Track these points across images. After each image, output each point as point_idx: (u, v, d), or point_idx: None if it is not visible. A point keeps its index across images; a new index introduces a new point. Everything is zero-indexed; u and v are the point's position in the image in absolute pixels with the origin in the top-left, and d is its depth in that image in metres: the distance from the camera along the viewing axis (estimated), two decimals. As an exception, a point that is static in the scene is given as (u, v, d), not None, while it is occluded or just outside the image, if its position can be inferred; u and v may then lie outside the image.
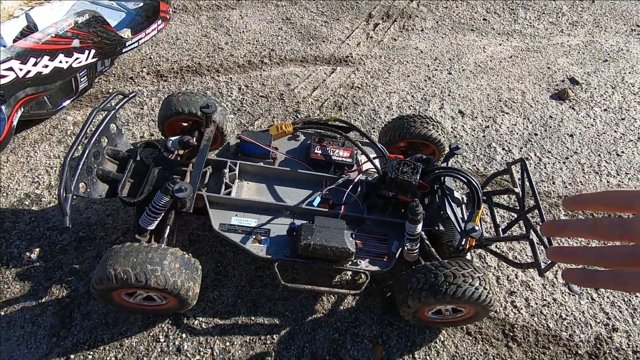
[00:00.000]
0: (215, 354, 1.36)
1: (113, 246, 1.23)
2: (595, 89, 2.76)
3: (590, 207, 0.45)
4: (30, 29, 2.21)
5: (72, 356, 1.30)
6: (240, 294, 1.51)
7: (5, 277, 1.45)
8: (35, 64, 1.66)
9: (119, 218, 1.67)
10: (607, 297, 1.67)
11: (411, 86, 2.59)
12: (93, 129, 1.38)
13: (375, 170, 1.54)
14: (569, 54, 3.04)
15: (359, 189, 1.53)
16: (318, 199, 1.45)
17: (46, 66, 1.72)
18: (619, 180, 2.17)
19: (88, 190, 1.34)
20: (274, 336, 1.42)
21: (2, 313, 1.37)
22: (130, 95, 1.53)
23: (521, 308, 1.59)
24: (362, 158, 1.65)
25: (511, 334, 1.51)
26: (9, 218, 1.62)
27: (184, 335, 1.39)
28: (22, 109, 1.71)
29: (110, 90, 2.24)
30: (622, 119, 2.55)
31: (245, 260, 1.59)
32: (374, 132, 2.23)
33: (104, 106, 1.43)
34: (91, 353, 1.32)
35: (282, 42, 2.77)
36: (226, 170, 1.48)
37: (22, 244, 1.55)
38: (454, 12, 3.33)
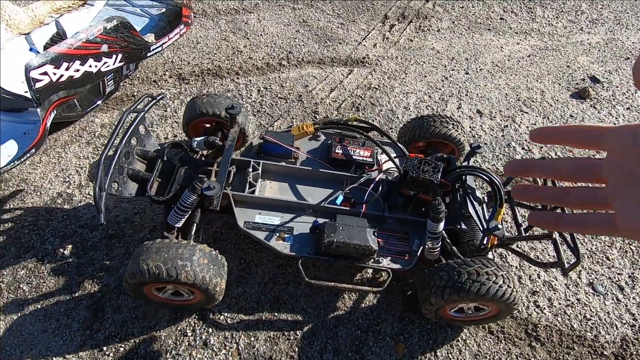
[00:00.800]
0: (240, 348, 1.40)
1: (144, 242, 1.27)
2: (617, 87, 2.71)
3: (555, 141, 0.43)
4: (60, 35, 2.31)
5: (104, 348, 1.36)
6: (263, 290, 1.54)
7: (40, 272, 1.52)
8: (67, 69, 1.74)
9: (145, 216, 1.73)
10: (634, 298, 1.64)
11: (428, 86, 2.60)
12: (121, 130, 1.44)
13: (396, 169, 1.56)
14: (589, 52, 2.99)
15: (380, 187, 1.55)
16: (341, 198, 1.48)
17: (77, 70, 1.79)
18: (644, 180, 2.12)
19: (120, 189, 1.39)
20: (297, 332, 1.45)
21: (39, 306, 1.44)
22: (158, 97, 1.59)
23: (544, 308, 1.58)
24: (382, 157, 1.67)
25: (534, 333, 1.50)
26: (43, 216, 1.69)
27: (210, 330, 1.42)
28: (55, 112, 1.79)
29: (135, 93, 2.32)
30: (646, 118, 2.50)
31: (268, 257, 1.63)
32: (391, 132, 2.25)
33: (134, 108, 1.49)
34: (122, 345, 1.37)
35: (299, 45, 2.81)
36: (250, 170, 1.51)
37: (55, 241, 1.61)
38: (470, 11, 3.32)
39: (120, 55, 2.02)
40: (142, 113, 1.51)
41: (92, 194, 1.25)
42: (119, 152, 1.37)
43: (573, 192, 0.40)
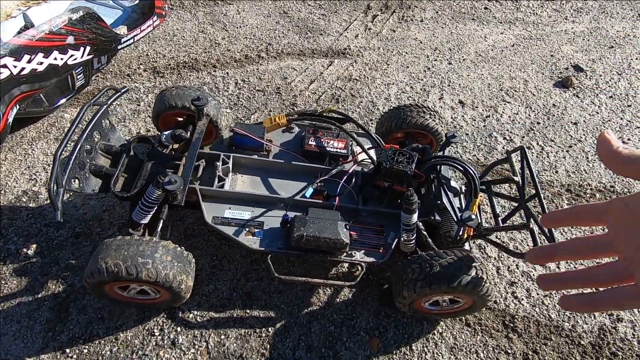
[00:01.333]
0: (210, 347, 1.35)
1: (105, 240, 1.22)
2: (600, 76, 2.69)
3: (565, 224, 0.48)
4: (28, 28, 2.22)
5: (67, 350, 1.31)
6: (235, 287, 1.50)
7: (2, 273, 1.46)
8: (29, 61, 1.67)
9: (115, 214, 1.67)
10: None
11: (410, 77, 2.55)
12: (85, 125, 1.38)
13: (370, 160, 1.52)
14: (574, 41, 2.97)
15: (354, 179, 1.51)
16: (311, 190, 1.43)
17: (41, 63, 1.72)
18: (625, 168, 2.11)
19: (81, 185, 1.34)
20: (270, 329, 1.41)
21: (0, 308, 1.38)
22: (122, 91, 1.53)
23: (522, 299, 1.55)
24: (357, 149, 1.63)
25: (512, 324, 1.48)
26: (7, 215, 1.63)
27: (178, 329, 1.38)
28: (18, 107, 1.72)
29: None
30: (629, 106, 2.49)
31: (241, 253, 1.58)
32: (371, 123, 2.20)
33: (95, 101, 1.43)
34: (87, 347, 1.32)
35: (279, 36, 2.75)
36: (219, 163, 1.46)
37: (19, 241, 1.56)
38: (454, 1, 3.27)
39: (88, 48, 1.95)
40: (105, 107, 1.45)
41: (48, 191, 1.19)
42: (78, 146, 1.31)
43: (598, 271, 0.42)
